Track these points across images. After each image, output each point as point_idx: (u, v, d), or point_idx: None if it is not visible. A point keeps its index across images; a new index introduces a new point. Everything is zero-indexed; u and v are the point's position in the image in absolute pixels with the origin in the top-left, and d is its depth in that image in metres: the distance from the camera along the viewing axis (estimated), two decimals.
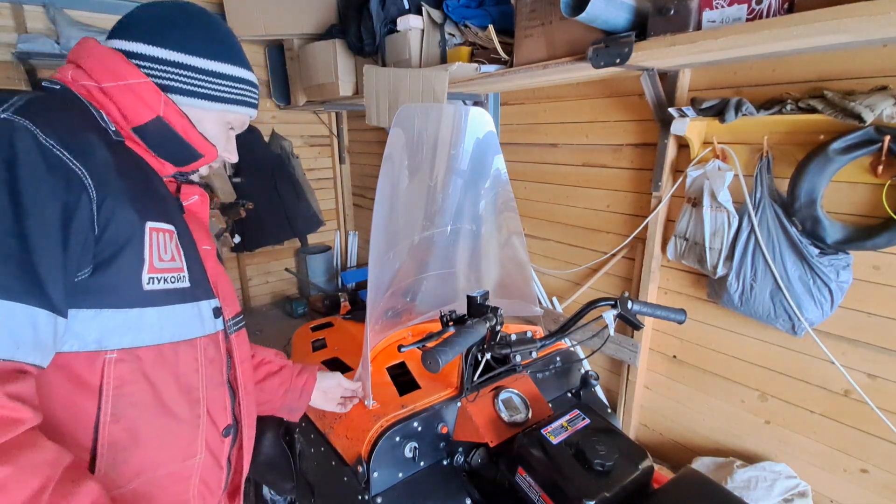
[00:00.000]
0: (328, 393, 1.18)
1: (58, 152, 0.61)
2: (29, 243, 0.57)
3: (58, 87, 0.74)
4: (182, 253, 0.78)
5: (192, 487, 0.81)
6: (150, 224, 0.72)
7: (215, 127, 0.83)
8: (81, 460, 0.67)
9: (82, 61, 0.74)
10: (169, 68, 0.76)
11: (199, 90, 0.79)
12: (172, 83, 0.76)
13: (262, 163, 3.82)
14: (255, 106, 0.88)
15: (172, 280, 0.74)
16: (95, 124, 0.72)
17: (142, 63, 0.75)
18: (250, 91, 0.86)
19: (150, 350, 0.71)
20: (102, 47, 0.74)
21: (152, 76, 0.75)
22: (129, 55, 0.74)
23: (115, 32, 0.77)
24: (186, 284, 0.77)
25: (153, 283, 0.71)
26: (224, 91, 0.81)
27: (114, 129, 0.75)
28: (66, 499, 0.55)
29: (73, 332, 0.65)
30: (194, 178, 0.92)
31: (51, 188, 0.60)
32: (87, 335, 0.66)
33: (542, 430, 1.02)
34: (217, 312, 0.85)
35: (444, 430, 1.13)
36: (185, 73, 0.77)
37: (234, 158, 0.90)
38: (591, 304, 1.20)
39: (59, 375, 0.65)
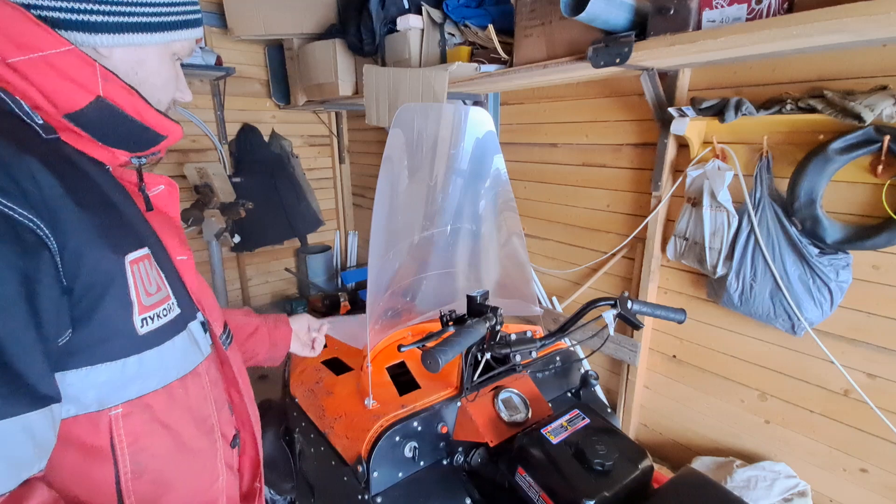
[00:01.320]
0: (300, 337, 1.20)
1: (5, 210, 0.48)
2: None
3: None
4: (163, 275, 0.67)
5: None
6: (129, 257, 0.61)
7: (161, 65, 0.66)
8: None
9: None
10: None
11: (128, 20, 0.59)
12: (88, 17, 0.56)
13: (261, 162, 3.82)
14: (199, 24, 0.70)
15: (164, 313, 0.65)
16: (17, 126, 0.55)
17: (47, 3, 0.55)
18: (190, 5, 0.67)
19: (158, 394, 0.64)
20: None
21: (57, 10, 0.55)
22: None
23: None
24: (178, 311, 0.68)
25: (147, 323, 0.62)
26: (160, 14, 0.62)
27: (41, 121, 0.58)
28: None
29: (67, 396, 0.56)
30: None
31: (8, 274, 0.48)
32: (83, 397, 0.57)
33: (541, 430, 1.02)
34: (205, 327, 0.78)
35: (444, 430, 1.13)
36: (106, 2, 0.57)
37: (188, 97, 0.74)
38: (591, 304, 1.20)
39: (62, 448, 0.57)
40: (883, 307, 1.57)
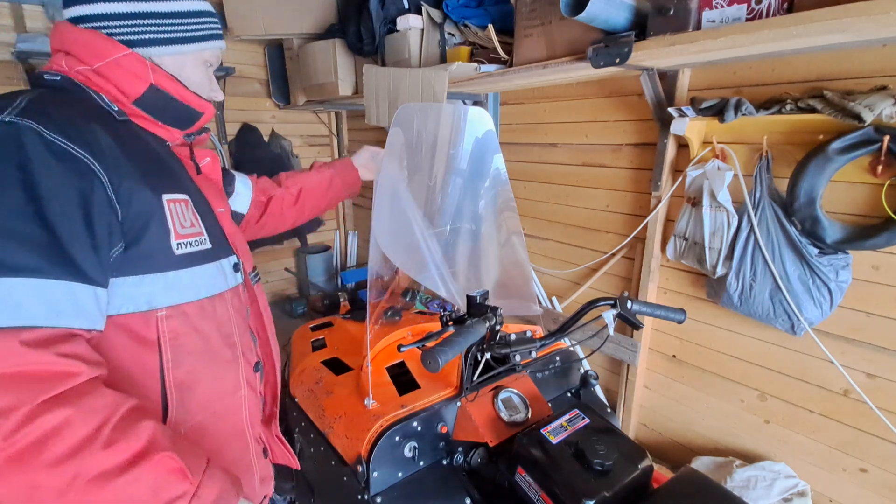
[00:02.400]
0: (369, 167, 1.60)
1: (63, 145, 0.67)
2: (53, 227, 0.63)
3: (58, 77, 0.78)
4: (199, 218, 0.86)
5: (244, 416, 0.95)
6: (166, 197, 0.79)
7: (196, 71, 0.88)
8: (149, 403, 0.79)
9: (69, 46, 0.78)
10: (136, 21, 0.79)
11: (171, 36, 0.82)
12: (144, 35, 0.80)
13: (261, 162, 3.82)
14: (222, 37, 0.92)
15: (195, 244, 0.83)
16: (98, 110, 0.78)
17: (109, 24, 0.78)
18: (213, 22, 0.90)
19: (193, 305, 0.82)
20: (77, 29, 0.78)
21: (123, 34, 0.79)
22: (94, 19, 0.77)
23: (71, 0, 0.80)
24: (208, 246, 0.86)
25: (181, 247, 0.80)
26: (192, 30, 0.85)
27: (116, 109, 0.81)
28: (124, 433, 0.63)
29: (127, 296, 0.74)
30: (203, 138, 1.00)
31: (63, 177, 0.66)
32: (137, 298, 0.75)
33: (541, 430, 1.02)
34: (236, 267, 0.95)
35: (444, 430, 1.13)
36: (151, 21, 0.80)
37: (220, 96, 0.95)
38: (591, 304, 1.20)
39: (123, 336, 0.75)
40: (882, 307, 1.57)
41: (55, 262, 0.63)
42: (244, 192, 1.26)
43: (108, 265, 0.71)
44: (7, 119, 0.65)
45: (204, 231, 0.86)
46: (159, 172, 0.82)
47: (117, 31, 0.79)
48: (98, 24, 0.78)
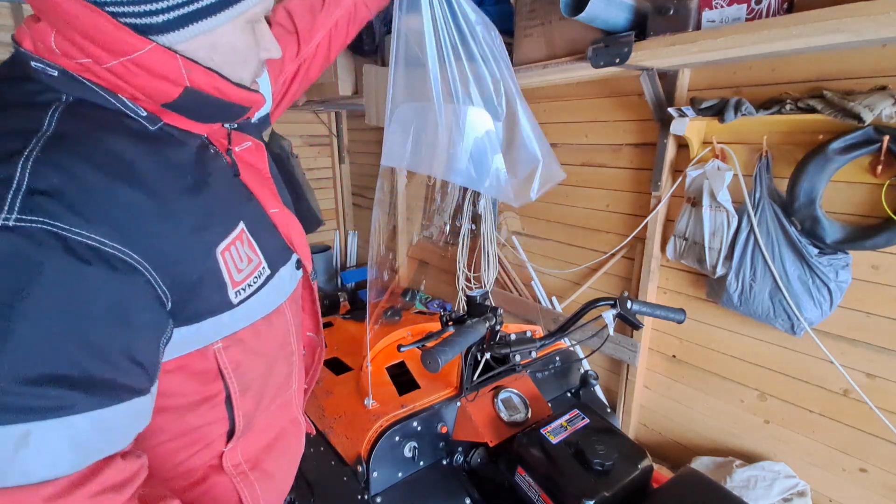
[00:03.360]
0: None
1: (93, 243, 0.50)
2: (80, 361, 0.50)
3: (55, 73, 0.56)
4: (256, 245, 0.73)
5: (295, 403, 0.93)
6: (220, 248, 0.66)
7: (235, 40, 0.64)
8: (215, 428, 0.74)
9: (61, 28, 0.55)
10: None
11: (188, 10, 0.57)
12: (155, 19, 0.56)
13: None
14: None
15: (255, 280, 0.72)
16: (121, 125, 0.59)
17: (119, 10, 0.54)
18: None
19: (247, 330, 0.73)
20: (72, 3, 0.52)
21: (133, 23, 0.55)
22: None
23: None
24: (267, 273, 0.75)
25: (240, 294, 0.69)
26: None
27: (145, 114, 0.62)
28: None
29: (184, 339, 0.65)
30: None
31: (95, 291, 0.51)
32: (191, 340, 0.66)
33: (541, 430, 1.02)
34: (298, 264, 0.86)
35: (444, 430, 1.13)
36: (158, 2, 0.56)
37: (277, 52, 0.72)
38: (591, 304, 1.21)
39: (183, 373, 0.68)
40: (882, 307, 1.57)
41: (81, 395, 0.50)
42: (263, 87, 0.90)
43: (156, 358, 0.60)
44: (12, 222, 0.46)
45: (262, 258, 0.73)
46: (210, 210, 0.65)
47: (122, 14, 0.54)
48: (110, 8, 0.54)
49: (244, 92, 0.68)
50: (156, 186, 0.58)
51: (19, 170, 0.48)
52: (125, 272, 0.53)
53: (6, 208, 0.46)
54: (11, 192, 0.47)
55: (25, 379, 0.46)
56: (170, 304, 0.60)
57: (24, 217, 0.47)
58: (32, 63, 0.57)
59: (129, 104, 0.61)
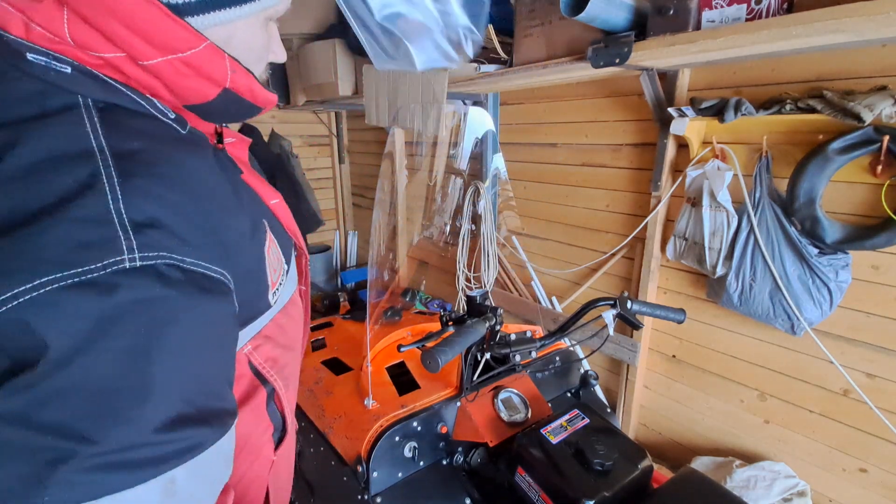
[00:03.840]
0: None
1: (206, 272, 0.47)
2: (194, 398, 0.46)
3: (67, 70, 0.46)
4: (276, 239, 0.67)
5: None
6: (265, 251, 0.61)
7: (252, 36, 0.59)
8: (267, 436, 0.70)
9: (87, 13, 0.45)
10: None
11: None
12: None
13: (261, 162, 3.81)
14: None
15: (283, 278, 0.67)
16: (158, 129, 0.52)
17: None
18: None
19: (270, 326, 0.67)
20: None
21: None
22: None
23: None
24: (286, 266, 0.70)
25: (275, 295, 0.65)
26: None
27: (174, 115, 0.55)
28: None
29: None
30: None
31: (217, 325, 0.49)
32: None
33: (541, 430, 1.02)
34: (295, 248, 0.81)
35: (444, 430, 1.13)
36: None
37: (282, 56, 0.70)
38: (591, 304, 1.21)
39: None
40: (882, 307, 1.57)
41: (208, 429, 0.47)
42: None
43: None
44: (138, 262, 0.41)
45: (282, 254, 0.69)
46: (249, 213, 0.60)
47: None
48: None
49: (269, 93, 0.64)
50: (223, 199, 0.54)
51: (111, 203, 0.42)
52: (227, 295, 0.50)
53: (125, 248, 0.41)
54: (118, 228, 0.41)
55: (165, 425, 0.42)
56: (237, 316, 0.56)
57: (147, 255, 0.42)
58: (29, 55, 0.45)
59: (160, 106, 0.54)
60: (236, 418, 0.53)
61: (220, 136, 0.70)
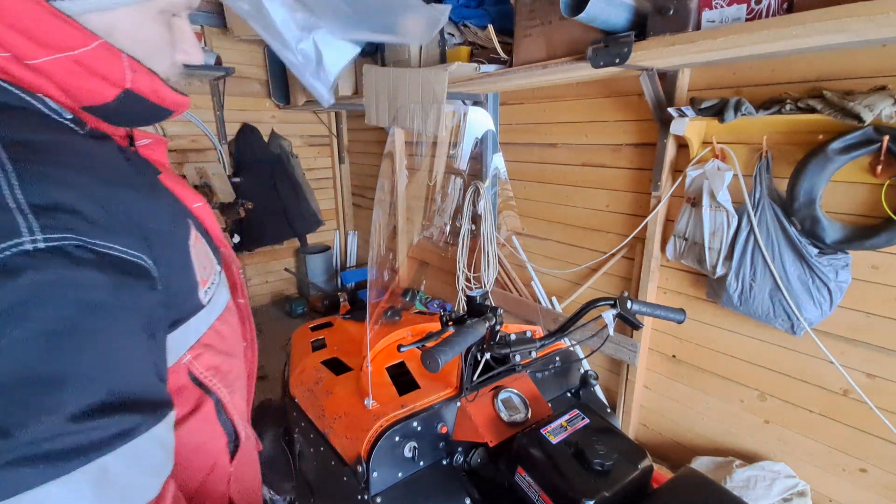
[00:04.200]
0: None
1: (121, 255, 0.46)
2: (117, 387, 0.45)
3: None
4: (204, 240, 0.65)
5: (247, 400, 0.85)
6: (190, 243, 0.59)
7: (152, 27, 0.56)
8: (220, 445, 0.69)
9: None
10: None
11: None
12: None
13: (261, 162, 3.82)
14: None
15: (215, 278, 0.65)
16: (56, 130, 0.50)
17: None
18: None
19: (210, 334, 0.65)
20: None
21: None
22: None
23: None
24: (218, 268, 0.67)
25: (207, 293, 0.62)
26: None
27: (70, 116, 0.53)
28: None
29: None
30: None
31: (134, 309, 0.47)
32: (170, 351, 0.59)
33: (541, 430, 1.02)
34: (223, 255, 0.79)
35: (444, 430, 1.13)
36: None
37: (195, 57, 0.65)
38: (591, 304, 1.21)
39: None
40: (882, 307, 1.57)
41: (139, 415, 0.46)
42: None
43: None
44: (42, 244, 0.40)
45: (211, 254, 0.67)
46: (171, 206, 0.60)
47: None
48: None
49: (178, 96, 0.61)
50: (138, 187, 0.53)
51: (5, 189, 0.41)
52: (149, 281, 0.49)
53: (24, 230, 0.40)
54: (16, 212, 0.40)
55: (86, 413, 0.41)
56: (166, 309, 0.55)
57: (52, 236, 0.41)
58: None
59: (54, 106, 0.51)
60: (172, 409, 0.51)
61: (131, 140, 0.67)
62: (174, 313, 0.56)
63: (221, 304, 0.69)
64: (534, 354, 1.14)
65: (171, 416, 0.51)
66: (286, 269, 4.42)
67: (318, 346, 1.65)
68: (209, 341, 0.65)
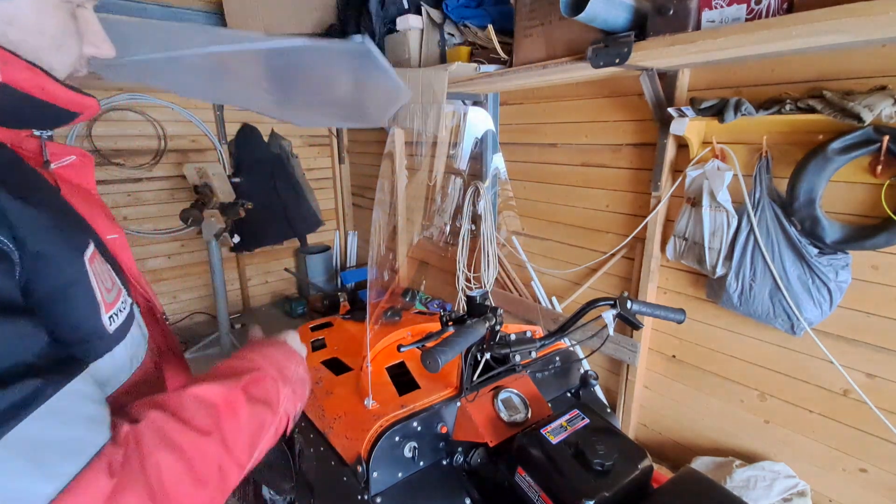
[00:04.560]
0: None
1: None
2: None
3: None
4: (108, 265, 0.61)
5: None
6: (86, 255, 0.55)
7: (42, 19, 0.52)
8: None
9: None
10: None
11: None
12: None
13: (261, 162, 3.82)
14: None
15: (123, 307, 0.61)
16: None
17: None
18: None
19: (124, 389, 0.62)
20: None
21: None
22: None
23: None
24: (130, 301, 0.64)
25: (114, 321, 0.58)
26: None
27: None
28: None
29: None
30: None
31: None
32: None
33: (541, 430, 1.02)
34: (151, 312, 0.74)
35: (444, 430, 1.13)
36: None
37: (105, 51, 0.61)
38: (591, 304, 1.21)
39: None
40: (882, 307, 1.57)
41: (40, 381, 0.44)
42: None
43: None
44: None
45: (120, 285, 0.62)
46: (61, 218, 0.56)
47: None
48: None
49: (75, 95, 0.57)
50: (11, 185, 0.50)
51: None
52: (4, 262, 0.46)
53: None
54: None
55: None
56: (29, 296, 0.49)
57: None
58: None
59: None
60: (87, 364, 0.50)
61: (47, 162, 0.63)
62: (63, 327, 0.52)
63: (140, 351, 0.64)
64: (534, 354, 1.14)
65: (90, 369, 0.50)
66: (286, 270, 4.41)
67: (318, 346, 1.65)
68: (122, 402, 0.58)
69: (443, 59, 2.24)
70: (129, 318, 0.63)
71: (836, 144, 1.46)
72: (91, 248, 0.57)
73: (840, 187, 1.57)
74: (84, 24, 0.58)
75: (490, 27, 1.98)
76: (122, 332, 0.60)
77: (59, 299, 0.52)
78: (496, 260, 2.78)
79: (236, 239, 3.45)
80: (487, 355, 1.12)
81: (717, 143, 1.78)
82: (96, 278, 0.56)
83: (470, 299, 1.14)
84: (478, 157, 2.76)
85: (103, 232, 0.65)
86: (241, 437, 0.57)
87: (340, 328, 1.78)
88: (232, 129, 3.74)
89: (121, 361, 0.61)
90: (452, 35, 2.24)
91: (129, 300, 0.64)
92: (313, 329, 1.80)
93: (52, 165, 0.63)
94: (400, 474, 1.06)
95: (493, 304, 1.12)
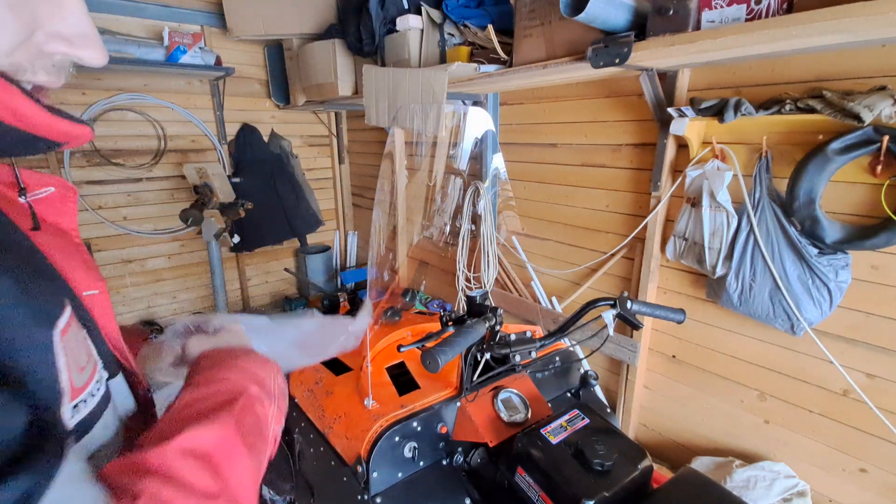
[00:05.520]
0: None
1: None
2: None
3: None
4: (84, 332, 0.49)
5: None
6: (58, 327, 0.43)
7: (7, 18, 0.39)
8: None
9: None
10: None
11: None
12: None
13: (261, 162, 3.82)
14: None
15: (96, 388, 0.48)
16: None
17: None
18: None
19: None
20: None
21: None
22: None
23: None
24: (106, 375, 0.52)
25: (79, 410, 0.46)
26: None
27: None
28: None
29: None
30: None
31: None
32: None
33: (541, 430, 1.02)
34: (128, 380, 0.59)
35: (444, 430, 1.13)
36: None
37: (90, 56, 0.45)
38: (591, 304, 1.21)
39: None
40: (882, 307, 1.57)
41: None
42: None
43: None
44: None
45: (96, 356, 0.50)
46: (28, 277, 0.43)
47: None
48: None
49: (60, 121, 0.44)
50: None
51: None
52: None
53: None
54: None
55: None
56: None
57: None
58: None
59: None
60: (61, 456, 0.37)
61: (22, 190, 0.52)
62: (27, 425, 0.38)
63: (107, 437, 0.51)
64: (534, 354, 1.14)
65: (62, 459, 0.37)
66: (286, 270, 4.41)
67: None
68: None
69: (443, 59, 2.24)
70: (104, 401, 0.50)
71: (836, 144, 1.46)
72: (66, 314, 0.45)
73: (840, 187, 1.57)
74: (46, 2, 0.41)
75: (490, 27, 1.98)
76: (89, 422, 0.48)
77: (14, 385, 0.39)
78: (496, 260, 2.78)
79: (236, 239, 3.45)
80: (487, 355, 1.13)
81: (717, 143, 1.78)
82: (67, 356, 0.44)
83: (470, 299, 1.14)
84: (478, 157, 2.76)
85: (81, 288, 0.52)
86: (246, 485, 0.50)
87: None
88: (232, 130, 3.74)
89: (84, 447, 0.49)
90: (452, 35, 2.24)
91: (105, 375, 0.52)
92: None
93: (27, 197, 0.52)
94: (400, 474, 1.06)
95: (493, 305, 1.12)
